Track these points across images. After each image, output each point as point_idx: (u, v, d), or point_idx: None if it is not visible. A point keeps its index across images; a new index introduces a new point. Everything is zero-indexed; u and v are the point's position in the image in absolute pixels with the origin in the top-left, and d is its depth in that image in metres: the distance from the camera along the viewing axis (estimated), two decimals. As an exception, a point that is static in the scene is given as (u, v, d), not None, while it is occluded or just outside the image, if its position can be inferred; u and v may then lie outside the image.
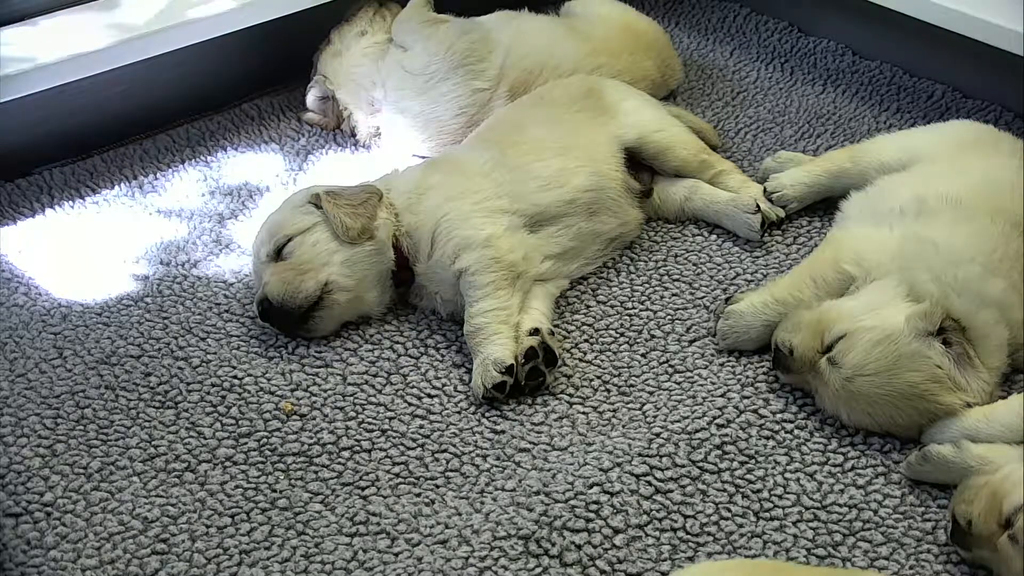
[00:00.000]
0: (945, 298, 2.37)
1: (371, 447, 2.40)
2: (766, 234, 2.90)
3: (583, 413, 2.48)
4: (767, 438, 2.40)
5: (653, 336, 2.66)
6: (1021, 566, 2.01)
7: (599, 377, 2.57)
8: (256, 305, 2.65)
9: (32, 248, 2.96)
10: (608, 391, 2.53)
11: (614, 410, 2.48)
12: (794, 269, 2.65)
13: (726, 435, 2.39)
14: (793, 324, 2.45)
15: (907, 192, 2.60)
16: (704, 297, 2.76)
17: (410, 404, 2.50)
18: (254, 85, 3.51)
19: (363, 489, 2.32)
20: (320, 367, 2.59)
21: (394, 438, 2.43)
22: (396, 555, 2.19)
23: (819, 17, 3.70)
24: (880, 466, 2.33)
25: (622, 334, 2.67)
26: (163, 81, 3.33)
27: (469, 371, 2.55)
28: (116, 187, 3.16)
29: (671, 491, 2.28)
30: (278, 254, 2.66)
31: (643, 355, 2.62)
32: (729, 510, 2.26)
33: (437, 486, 2.33)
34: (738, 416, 2.43)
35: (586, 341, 2.66)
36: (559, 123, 2.91)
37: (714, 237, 2.93)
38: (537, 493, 2.27)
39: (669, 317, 2.71)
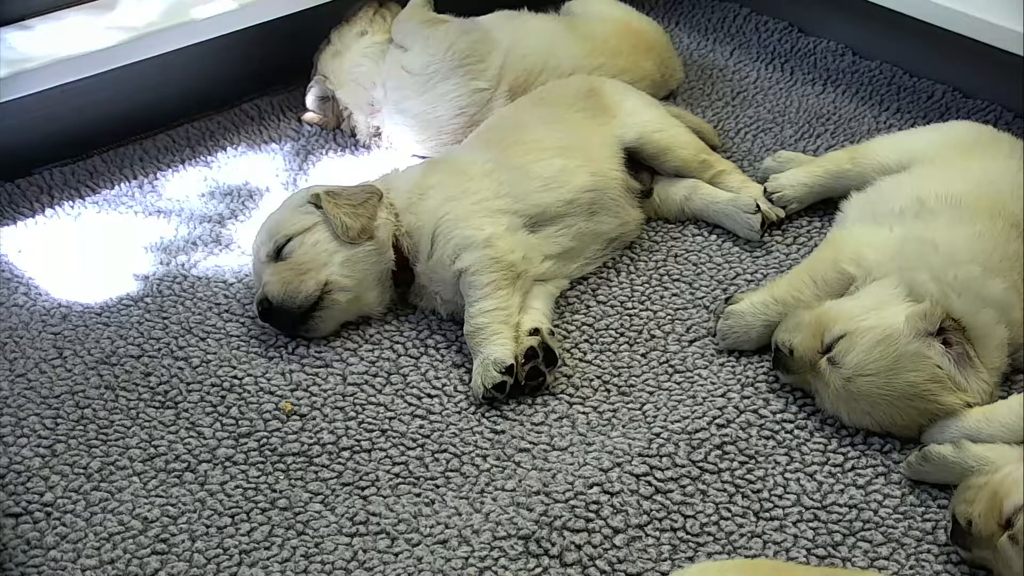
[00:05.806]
0: (945, 298, 2.36)
1: (371, 447, 2.40)
2: (766, 234, 2.90)
3: (583, 413, 2.48)
4: (767, 438, 2.40)
5: (653, 336, 2.66)
6: (1021, 566, 2.01)
7: (599, 377, 2.56)
8: (256, 305, 2.65)
9: (32, 248, 2.95)
10: (608, 391, 2.53)
11: (614, 410, 2.48)
12: (794, 269, 2.65)
13: (726, 435, 2.39)
14: (793, 324, 2.45)
15: (907, 192, 2.60)
16: (704, 297, 2.76)
17: (410, 404, 2.50)
18: (254, 85, 3.51)
19: (363, 489, 2.32)
20: (320, 367, 2.59)
21: (394, 438, 2.43)
22: (396, 555, 2.19)
23: (819, 17, 3.69)
24: (880, 466, 2.33)
25: (622, 334, 2.67)
26: (163, 81, 3.33)
27: (469, 371, 2.55)
28: (116, 187, 3.15)
29: (671, 491, 2.28)
30: (278, 254, 2.66)
31: (643, 355, 2.62)
32: (729, 510, 2.26)
33: (437, 486, 2.33)
34: (738, 416, 2.43)
35: (586, 341, 2.66)
36: (559, 123, 2.91)
37: (714, 237, 2.93)
38: (537, 493, 2.27)
39: (669, 317, 2.71)
